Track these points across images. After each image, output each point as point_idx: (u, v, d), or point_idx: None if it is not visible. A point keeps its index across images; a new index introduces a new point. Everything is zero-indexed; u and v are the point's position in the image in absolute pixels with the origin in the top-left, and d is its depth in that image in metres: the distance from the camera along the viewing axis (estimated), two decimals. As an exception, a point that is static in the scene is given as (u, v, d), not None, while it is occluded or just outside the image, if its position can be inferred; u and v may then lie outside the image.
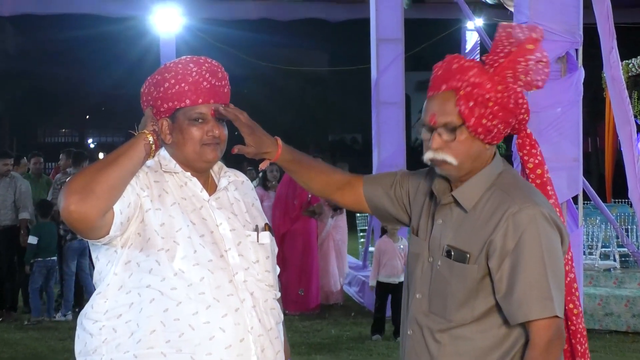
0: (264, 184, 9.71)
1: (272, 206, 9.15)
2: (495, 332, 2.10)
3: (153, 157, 2.28)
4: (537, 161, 2.27)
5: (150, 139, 2.24)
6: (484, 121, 2.07)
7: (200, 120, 2.30)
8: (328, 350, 7.14)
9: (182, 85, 2.28)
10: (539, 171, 2.25)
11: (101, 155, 26.04)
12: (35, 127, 48.17)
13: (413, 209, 2.36)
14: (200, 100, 2.29)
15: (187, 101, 2.28)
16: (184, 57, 2.35)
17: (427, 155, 2.16)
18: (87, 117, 49.96)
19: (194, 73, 2.29)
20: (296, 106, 35.40)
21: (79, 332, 2.29)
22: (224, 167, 2.48)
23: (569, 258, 2.27)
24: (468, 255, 2.10)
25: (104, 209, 2.11)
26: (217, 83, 2.32)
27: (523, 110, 2.13)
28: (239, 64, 16.36)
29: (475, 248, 2.10)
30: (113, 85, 40.48)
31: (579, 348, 2.25)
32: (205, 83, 2.29)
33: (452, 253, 2.14)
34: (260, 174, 9.87)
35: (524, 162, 2.27)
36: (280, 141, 2.42)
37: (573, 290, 2.25)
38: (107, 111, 47.40)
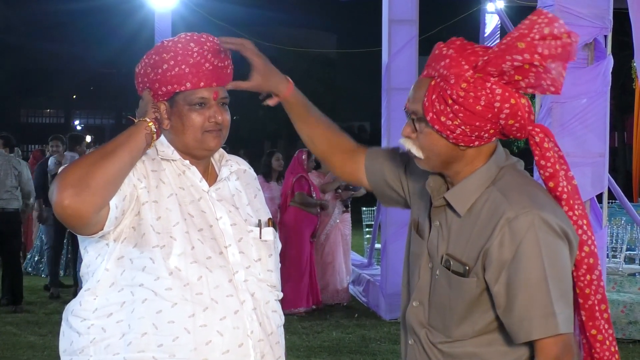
0: (266, 172, 9.40)
1: (273, 198, 9.01)
2: (500, 347, 2.09)
3: (152, 146, 2.25)
4: (547, 173, 2.13)
5: (152, 127, 2.20)
6: (443, 119, 2.04)
7: (201, 105, 2.27)
8: (329, 354, 7.15)
9: (182, 67, 2.23)
10: (551, 184, 2.13)
11: (88, 139, 26.05)
12: (17, 107, 48.23)
13: (413, 203, 2.34)
14: (202, 84, 2.25)
15: (188, 84, 2.24)
16: (183, 34, 2.29)
17: (399, 141, 2.18)
18: (74, 96, 49.99)
19: (195, 54, 2.24)
20: (302, 90, 35.29)
21: (64, 328, 2.27)
22: (226, 154, 2.45)
23: (594, 277, 2.14)
24: (467, 268, 2.07)
25: (100, 204, 2.07)
26: (219, 64, 2.28)
27: (503, 116, 2.03)
28: (239, 43, 16.27)
29: (472, 259, 2.07)
30: (103, 63, 40.47)
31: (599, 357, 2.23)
32: (207, 64, 2.25)
33: (451, 263, 2.11)
34: (263, 160, 9.54)
35: (540, 176, 2.17)
36: (290, 80, 2.38)
37: (597, 315, 2.16)
38: (96, 91, 47.43)
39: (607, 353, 2.19)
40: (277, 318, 2.36)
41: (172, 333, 2.15)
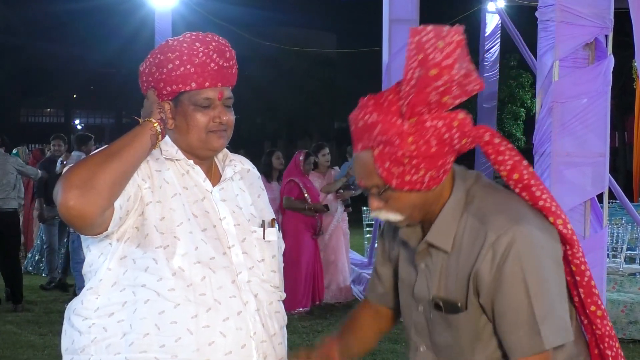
0: (267, 172, 9.20)
1: (275, 199, 8.92)
2: None
3: (157, 147, 2.25)
4: (508, 166, 2.12)
5: (158, 128, 2.20)
6: (408, 178, 2.02)
7: (206, 106, 2.26)
8: (329, 354, 7.16)
9: (188, 67, 2.22)
10: (515, 175, 2.11)
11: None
12: (17, 107, 48.21)
13: (393, 259, 2.34)
14: (207, 84, 2.24)
15: (193, 84, 2.23)
16: (188, 33, 2.28)
17: (371, 215, 2.16)
18: (75, 96, 49.98)
19: (201, 53, 2.23)
20: (301, 90, 35.36)
21: (66, 327, 2.27)
22: (229, 154, 2.45)
23: (580, 257, 2.16)
24: (459, 304, 2.08)
25: (106, 206, 2.07)
26: (225, 64, 2.28)
27: (456, 141, 2.02)
28: (240, 43, 16.32)
29: (462, 290, 2.07)
30: (103, 63, 40.47)
31: (610, 353, 2.23)
32: (212, 64, 2.24)
33: (442, 305, 2.11)
34: (264, 160, 9.36)
35: (498, 172, 2.15)
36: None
37: (594, 290, 2.19)
38: (96, 90, 47.42)
39: (607, 327, 2.22)
40: (280, 319, 2.36)
41: (174, 334, 2.15)
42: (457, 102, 2.01)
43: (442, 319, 2.13)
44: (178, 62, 2.22)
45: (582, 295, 2.19)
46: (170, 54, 2.23)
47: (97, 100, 48.35)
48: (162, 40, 11.78)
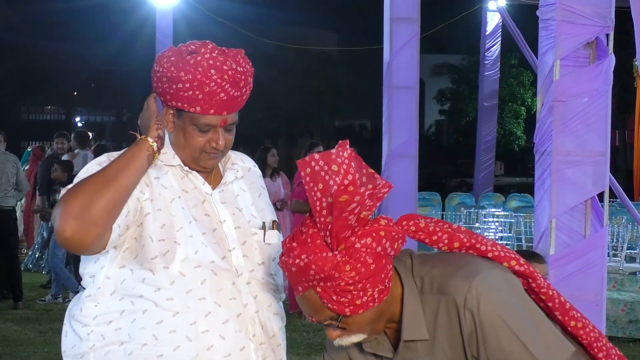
0: (260, 169, 9.10)
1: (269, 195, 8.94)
2: None
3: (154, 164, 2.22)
4: (446, 240, 2.11)
5: (154, 147, 2.18)
6: (359, 301, 1.99)
7: (206, 130, 2.22)
8: (329, 352, 7.16)
9: (197, 92, 2.16)
10: (456, 244, 2.11)
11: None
12: (18, 104, 48.24)
13: None
14: (212, 111, 2.19)
15: (198, 109, 2.18)
16: (209, 50, 2.19)
17: (335, 343, 2.10)
18: (75, 93, 49.97)
19: (213, 83, 2.15)
20: (301, 88, 35.34)
21: (67, 329, 2.27)
22: (232, 156, 2.42)
23: (544, 285, 2.17)
24: None
25: (103, 234, 2.08)
26: (236, 93, 2.21)
27: (389, 249, 2.00)
28: (240, 40, 16.34)
29: None
30: (104, 61, 40.48)
31: (601, 355, 2.24)
32: (222, 94, 2.18)
33: None
34: (258, 156, 9.16)
35: (438, 249, 2.15)
36: None
37: (567, 307, 2.20)
38: (97, 88, 47.41)
39: (591, 334, 2.22)
40: (279, 320, 2.35)
41: (173, 342, 2.15)
42: (374, 210, 1.98)
43: None
44: (188, 85, 2.16)
45: (560, 317, 2.20)
46: (182, 74, 2.16)
47: (98, 98, 48.34)
48: (163, 38, 11.80)
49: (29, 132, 41.71)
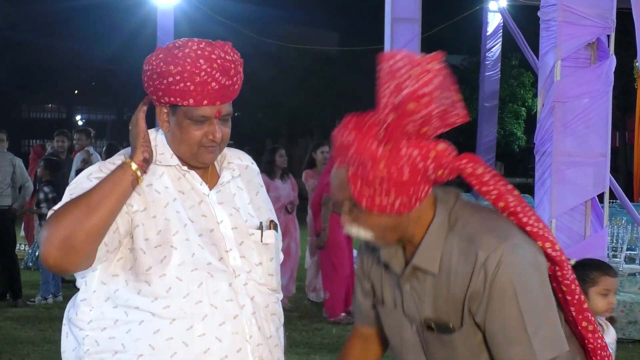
0: (269, 170, 8.71)
1: (279, 197, 8.55)
2: None
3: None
4: (494, 195, 2.10)
5: (139, 173, 2.15)
6: (378, 200, 2.00)
7: (202, 122, 2.22)
8: (328, 351, 7.15)
9: (188, 84, 2.16)
10: (501, 204, 2.10)
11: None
12: (19, 103, 48.24)
13: (375, 282, 2.29)
14: (206, 102, 2.18)
15: (191, 101, 2.18)
16: (196, 43, 2.20)
17: (345, 228, 2.13)
18: (76, 92, 50.00)
19: (203, 72, 2.15)
20: (302, 88, 35.33)
21: (67, 331, 2.28)
22: (228, 155, 2.40)
23: (570, 277, 2.16)
24: (451, 325, 2.07)
25: (86, 261, 2.10)
26: (227, 82, 2.20)
27: (431, 172, 2.00)
28: (241, 40, 16.34)
29: (456, 313, 2.07)
30: (105, 60, 40.47)
31: None
32: (213, 84, 2.17)
33: (434, 326, 2.11)
34: (266, 157, 8.91)
35: (485, 199, 2.13)
36: None
37: (584, 306, 2.21)
38: (98, 87, 47.44)
39: (598, 341, 2.24)
40: (277, 320, 2.34)
41: (170, 349, 2.14)
42: (440, 131, 1.99)
43: (436, 339, 2.12)
44: (179, 77, 2.16)
45: (574, 313, 2.20)
46: (172, 67, 2.16)
47: (98, 97, 48.36)
48: (164, 37, 11.79)
49: (30, 131, 41.74)
